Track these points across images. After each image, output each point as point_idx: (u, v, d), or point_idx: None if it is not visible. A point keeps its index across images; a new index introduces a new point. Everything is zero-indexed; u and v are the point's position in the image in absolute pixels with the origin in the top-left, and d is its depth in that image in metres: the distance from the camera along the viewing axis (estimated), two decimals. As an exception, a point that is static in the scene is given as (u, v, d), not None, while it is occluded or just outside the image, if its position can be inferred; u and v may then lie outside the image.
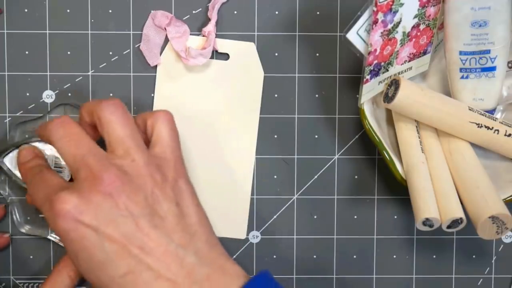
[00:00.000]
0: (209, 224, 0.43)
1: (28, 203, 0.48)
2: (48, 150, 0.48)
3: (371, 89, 0.46)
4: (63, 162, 0.48)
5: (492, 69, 0.47)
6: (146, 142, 0.44)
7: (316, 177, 0.52)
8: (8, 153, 0.48)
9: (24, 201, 0.50)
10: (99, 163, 0.40)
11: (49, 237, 0.50)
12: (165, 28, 0.50)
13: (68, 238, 0.39)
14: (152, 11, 0.50)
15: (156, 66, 0.51)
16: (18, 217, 0.50)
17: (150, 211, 0.40)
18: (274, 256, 0.52)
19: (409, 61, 0.48)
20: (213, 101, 0.51)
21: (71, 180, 0.47)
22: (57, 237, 0.50)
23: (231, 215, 0.52)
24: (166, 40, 0.50)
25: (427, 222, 0.44)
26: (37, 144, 0.48)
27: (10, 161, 0.48)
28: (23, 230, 0.50)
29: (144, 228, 0.39)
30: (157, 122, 0.44)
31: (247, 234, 0.52)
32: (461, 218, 0.44)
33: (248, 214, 0.52)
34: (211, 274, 0.40)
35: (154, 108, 0.51)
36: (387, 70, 0.47)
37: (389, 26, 0.44)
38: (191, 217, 0.42)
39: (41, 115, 0.50)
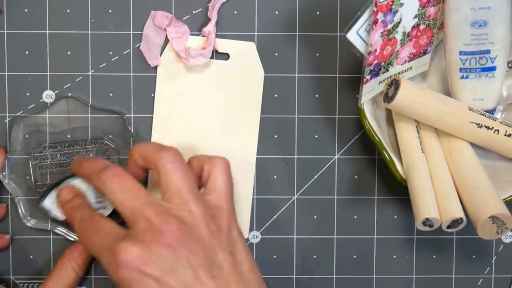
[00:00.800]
0: (258, 271, 0.44)
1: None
2: (85, 185, 0.48)
3: (371, 89, 0.46)
4: (100, 199, 0.48)
5: (492, 69, 0.47)
6: (199, 184, 0.45)
7: (316, 177, 0.52)
8: (46, 195, 0.48)
9: (29, 195, 0.50)
10: (159, 215, 0.41)
11: (56, 230, 0.50)
12: (165, 29, 0.50)
13: None
14: (152, 11, 0.50)
15: (156, 66, 0.51)
16: (23, 210, 0.50)
17: (208, 261, 0.41)
18: (274, 256, 0.52)
19: (409, 61, 0.48)
20: (214, 101, 0.51)
21: (112, 214, 0.47)
22: (64, 231, 0.50)
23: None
24: (166, 40, 0.50)
25: (427, 222, 0.44)
26: (74, 182, 0.48)
27: (51, 202, 0.48)
28: (28, 224, 0.50)
29: (203, 279, 0.40)
30: (215, 169, 0.44)
31: (247, 234, 0.52)
32: (461, 218, 0.44)
33: (250, 214, 0.52)
34: None
35: (155, 109, 0.51)
36: (387, 70, 0.47)
37: (389, 26, 0.44)
38: (244, 265, 0.42)
39: (40, 115, 0.50)
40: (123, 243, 0.40)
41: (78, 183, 0.48)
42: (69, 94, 0.50)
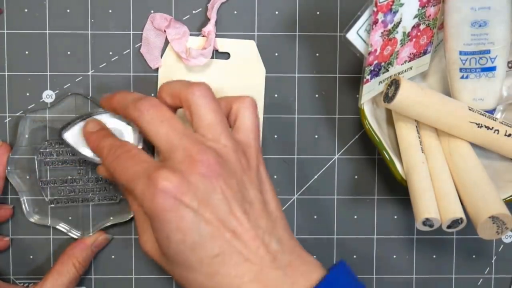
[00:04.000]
0: (283, 212, 0.44)
1: (99, 173, 0.48)
2: (110, 123, 0.47)
3: (371, 89, 0.46)
4: (131, 135, 0.47)
5: (492, 69, 0.47)
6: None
7: (316, 177, 0.52)
8: (68, 129, 0.48)
9: (33, 191, 0.50)
10: (197, 146, 0.40)
11: (58, 227, 0.50)
12: (164, 30, 0.50)
13: (164, 218, 0.39)
14: (151, 11, 0.50)
15: (157, 67, 0.51)
16: (27, 206, 0.50)
17: (241, 196, 0.41)
18: (274, 256, 0.52)
19: (409, 61, 0.48)
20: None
21: None
22: (67, 227, 0.51)
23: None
24: (166, 42, 0.50)
25: (427, 222, 0.44)
26: (99, 117, 0.47)
27: (71, 137, 0.48)
28: (32, 220, 0.50)
29: (236, 213, 0.40)
30: (243, 108, 0.44)
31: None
32: (461, 218, 0.44)
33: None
34: (292, 261, 0.41)
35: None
36: (387, 70, 0.47)
37: (389, 26, 0.44)
38: (271, 204, 0.43)
39: (47, 111, 0.50)
40: (162, 171, 0.39)
41: (102, 118, 0.47)
42: (69, 94, 0.50)
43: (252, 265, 0.40)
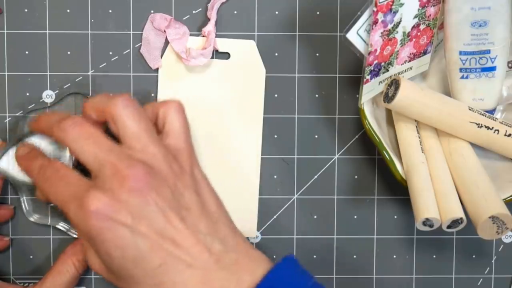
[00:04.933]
0: (226, 209, 0.43)
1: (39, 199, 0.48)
2: (43, 144, 0.48)
3: (371, 89, 0.46)
4: (65, 153, 0.47)
5: (492, 69, 0.47)
6: (156, 130, 0.44)
7: (316, 177, 0.52)
8: (2, 156, 0.48)
9: (33, 190, 0.50)
10: (124, 161, 0.40)
11: (58, 226, 0.50)
12: (164, 31, 0.50)
13: (101, 238, 0.39)
14: (151, 11, 0.50)
15: (157, 68, 0.51)
16: (26, 206, 0.50)
17: (176, 204, 0.40)
18: (274, 256, 0.52)
19: (409, 61, 0.48)
20: (216, 100, 0.51)
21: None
22: (67, 227, 0.51)
23: (240, 215, 0.51)
24: (166, 42, 0.50)
25: (427, 222, 0.44)
26: (32, 140, 0.48)
27: (6, 164, 0.48)
28: (32, 219, 0.50)
29: (173, 222, 0.40)
30: (170, 112, 0.43)
31: (255, 234, 0.52)
32: (461, 218, 0.44)
33: (257, 214, 0.52)
34: (238, 259, 0.41)
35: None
36: (387, 70, 0.47)
37: (389, 26, 0.44)
38: (211, 204, 0.42)
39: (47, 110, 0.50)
40: (91, 192, 0.39)
41: (35, 141, 0.47)
42: (77, 91, 0.50)
43: (196, 270, 0.40)
